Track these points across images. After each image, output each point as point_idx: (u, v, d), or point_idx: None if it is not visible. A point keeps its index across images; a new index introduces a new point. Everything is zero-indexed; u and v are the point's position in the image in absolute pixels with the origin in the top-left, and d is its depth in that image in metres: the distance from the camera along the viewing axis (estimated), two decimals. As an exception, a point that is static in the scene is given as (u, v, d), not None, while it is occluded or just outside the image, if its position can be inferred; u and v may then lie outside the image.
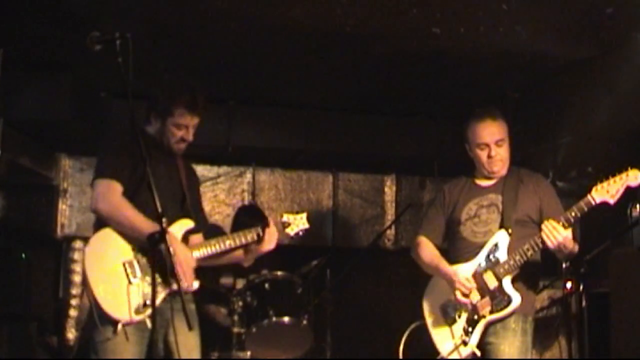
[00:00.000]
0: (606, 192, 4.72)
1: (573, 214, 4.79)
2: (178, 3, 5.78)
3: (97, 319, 4.54)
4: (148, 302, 4.52)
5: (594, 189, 4.75)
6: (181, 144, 4.85)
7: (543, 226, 4.81)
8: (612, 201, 4.73)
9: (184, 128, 4.80)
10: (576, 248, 5.01)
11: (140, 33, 4.32)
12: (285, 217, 5.16)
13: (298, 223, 5.17)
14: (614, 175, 4.75)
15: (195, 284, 4.80)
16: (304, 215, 5.20)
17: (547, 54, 6.57)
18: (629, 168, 4.75)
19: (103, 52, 4.17)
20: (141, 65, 4.09)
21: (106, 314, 4.52)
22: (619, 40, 6.13)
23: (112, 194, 4.63)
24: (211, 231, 5.30)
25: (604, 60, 6.51)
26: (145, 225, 4.50)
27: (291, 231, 5.15)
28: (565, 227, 4.78)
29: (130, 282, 4.56)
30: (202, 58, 6.75)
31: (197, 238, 5.02)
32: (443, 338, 5.11)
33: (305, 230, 5.21)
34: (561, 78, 7.00)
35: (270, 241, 5.04)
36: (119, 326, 4.51)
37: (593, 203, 4.74)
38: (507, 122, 5.22)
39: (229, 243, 4.94)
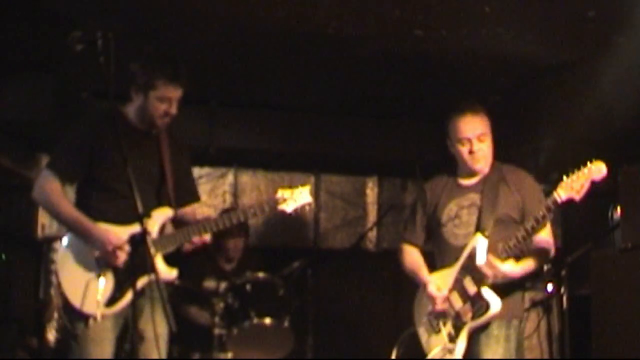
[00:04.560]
0: (571, 188, 4.56)
1: (541, 213, 4.69)
2: (160, 3, 5.76)
3: (67, 314, 4.58)
4: (118, 295, 4.56)
5: (559, 186, 4.60)
6: (165, 118, 4.75)
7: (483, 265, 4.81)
8: (577, 197, 4.56)
9: (167, 101, 4.70)
10: (530, 267, 4.98)
11: (121, 33, 4.30)
12: (280, 193, 4.85)
13: (297, 198, 4.86)
14: (579, 169, 4.59)
15: (174, 273, 4.79)
16: (306, 188, 4.89)
17: (529, 56, 6.58)
18: (592, 160, 4.58)
19: (84, 51, 4.16)
20: (122, 65, 4.08)
21: (75, 309, 4.55)
22: (601, 43, 6.15)
23: (47, 187, 4.64)
24: None
25: (585, 63, 6.53)
26: (73, 222, 4.59)
27: (287, 207, 4.83)
28: (502, 260, 4.76)
29: (99, 276, 4.55)
30: (183, 59, 6.71)
31: (189, 211, 5.01)
32: (431, 344, 5.05)
33: (309, 205, 4.87)
34: (543, 81, 7.02)
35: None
36: (91, 320, 4.52)
37: (559, 201, 4.59)
38: (490, 117, 5.10)
39: (212, 228, 4.84)
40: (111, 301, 4.57)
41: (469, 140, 5.02)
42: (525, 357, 6.00)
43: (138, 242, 4.35)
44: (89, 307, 4.52)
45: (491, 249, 4.86)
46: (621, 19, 5.72)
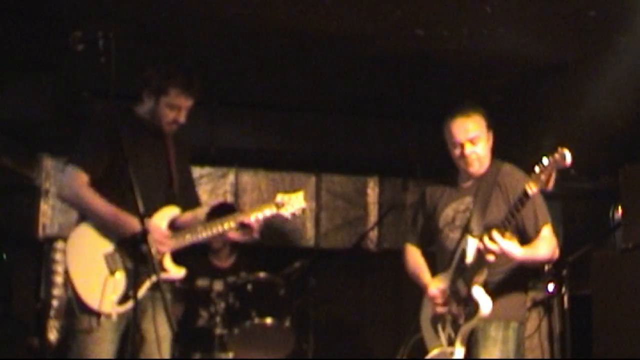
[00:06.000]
0: (539, 180, 4.47)
1: (516, 209, 4.60)
2: (160, 3, 5.76)
3: (77, 311, 4.55)
4: (130, 293, 4.51)
5: (530, 179, 4.51)
6: (173, 125, 4.79)
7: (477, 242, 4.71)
8: (548, 188, 4.50)
9: (177, 109, 4.74)
10: (540, 256, 4.89)
11: (122, 33, 4.30)
12: (279, 198, 4.95)
13: (294, 203, 4.96)
14: (546, 156, 4.48)
15: (182, 272, 4.80)
16: (300, 194, 5.01)
17: (530, 56, 6.58)
18: (558, 148, 4.47)
19: (85, 51, 4.15)
20: (123, 65, 4.08)
21: (87, 306, 4.53)
22: (601, 43, 6.15)
23: (77, 182, 4.63)
24: (221, 210, 5.27)
25: (586, 63, 6.52)
26: (108, 214, 4.56)
27: (286, 212, 4.94)
28: (502, 234, 4.62)
29: (111, 274, 4.55)
30: (185, 59, 6.72)
31: (189, 216, 4.98)
32: (431, 348, 5.02)
33: (302, 210, 5.01)
34: (543, 81, 7.01)
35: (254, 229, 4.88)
36: (102, 318, 4.51)
37: (530, 193, 4.50)
38: (487, 118, 5.02)
39: (211, 231, 4.85)
40: (122, 300, 4.57)
41: (461, 144, 4.96)
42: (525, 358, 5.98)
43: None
44: (102, 305, 4.51)
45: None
46: (622, 18, 5.72)
